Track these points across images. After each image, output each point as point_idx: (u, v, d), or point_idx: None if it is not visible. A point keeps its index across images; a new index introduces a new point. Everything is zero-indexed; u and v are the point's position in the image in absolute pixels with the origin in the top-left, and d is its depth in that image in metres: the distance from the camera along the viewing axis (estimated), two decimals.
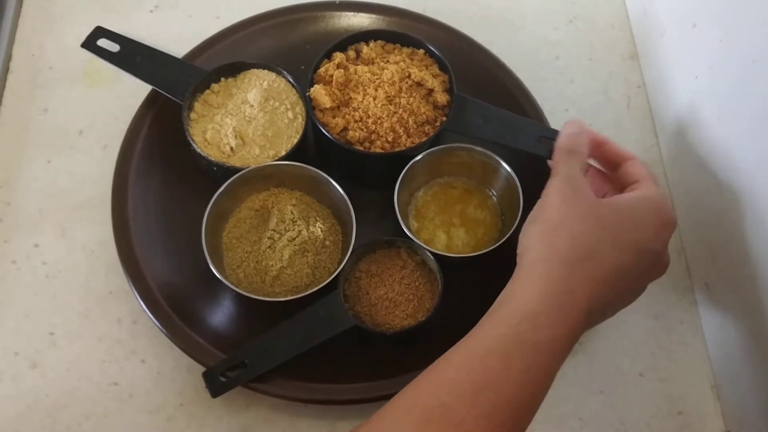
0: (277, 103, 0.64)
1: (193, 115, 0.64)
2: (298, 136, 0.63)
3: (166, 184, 0.65)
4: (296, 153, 0.62)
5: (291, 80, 0.65)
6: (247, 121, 0.63)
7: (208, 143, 0.63)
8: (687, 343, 0.63)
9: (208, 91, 0.65)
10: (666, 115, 0.70)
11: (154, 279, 0.60)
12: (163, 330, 0.58)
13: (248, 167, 0.60)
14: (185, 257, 0.61)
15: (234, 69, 0.66)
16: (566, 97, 0.73)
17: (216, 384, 0.56)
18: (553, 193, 0.52)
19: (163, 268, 0.61)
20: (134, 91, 0.68)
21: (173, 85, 0.65)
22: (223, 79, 0.66)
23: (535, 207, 0.53)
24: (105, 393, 0.59)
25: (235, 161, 0.62)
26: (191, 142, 0.62)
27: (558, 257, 0.48)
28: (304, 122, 0.64)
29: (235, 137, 0.63)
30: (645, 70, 0.74)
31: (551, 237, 0.49)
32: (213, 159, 0.61)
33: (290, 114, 0.64)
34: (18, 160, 0.68)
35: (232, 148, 0.62)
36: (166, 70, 0.66)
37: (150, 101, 0.67)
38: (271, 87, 0.65)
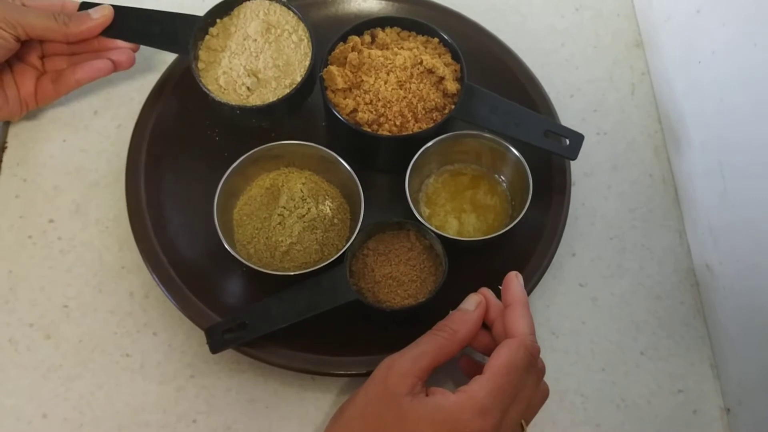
0: (279, 31, 0.64)
1: (200, 65, 0.63)
2: (309, 59, 0.62)
3: (178, 162, 0.66)
4: (310, 79, 0.62)
5: (285, 3, 0.64)
6: (255, 57, 0.63)
7: (224, 89, 0.63)
8: (688, 324, 0.64)
9: (207, 37, 0.64)
10: (670, 102, 0.71)
11: (166, 254, 0.61)
12: (175, 303, 0.59)
13: (258, 147, 0.61)
14: (196, 233, 0.63)
15: (227, 6, 0.65)
16: (571, 84, 0.74)
17: (216, 341, 0.57)
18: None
19: (175, 244, 0.62)
20: (148, 71, 0.69)
21: (171, 41, 0.64)
22: (218, 20, 0.65)
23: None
24: (117, 363, 0.60)
25: (254, 100, 0.62)
26: (207, 92, 0.61)
27: None
28: (310, 43, 0.63)
29: (249, 76, 0.62)
30: (650, 57, 0.75)
31: None
32: (234, 103, 0.61)
33: (294, 38, 0.63)
34: (35, 139, 0.69)
35: (248, 88, 0.62)
36: (160, 27, 0.64)
37: (163, 81, 0.68)
38: (269, 15, 0.64)
